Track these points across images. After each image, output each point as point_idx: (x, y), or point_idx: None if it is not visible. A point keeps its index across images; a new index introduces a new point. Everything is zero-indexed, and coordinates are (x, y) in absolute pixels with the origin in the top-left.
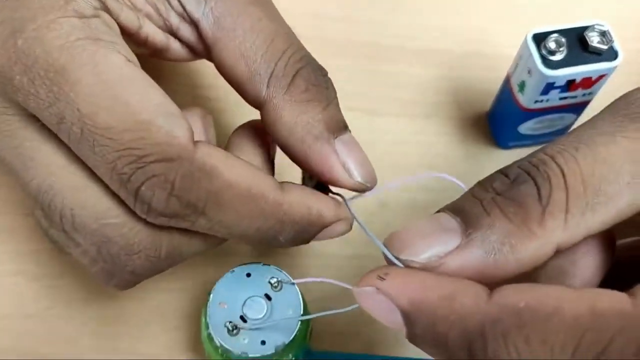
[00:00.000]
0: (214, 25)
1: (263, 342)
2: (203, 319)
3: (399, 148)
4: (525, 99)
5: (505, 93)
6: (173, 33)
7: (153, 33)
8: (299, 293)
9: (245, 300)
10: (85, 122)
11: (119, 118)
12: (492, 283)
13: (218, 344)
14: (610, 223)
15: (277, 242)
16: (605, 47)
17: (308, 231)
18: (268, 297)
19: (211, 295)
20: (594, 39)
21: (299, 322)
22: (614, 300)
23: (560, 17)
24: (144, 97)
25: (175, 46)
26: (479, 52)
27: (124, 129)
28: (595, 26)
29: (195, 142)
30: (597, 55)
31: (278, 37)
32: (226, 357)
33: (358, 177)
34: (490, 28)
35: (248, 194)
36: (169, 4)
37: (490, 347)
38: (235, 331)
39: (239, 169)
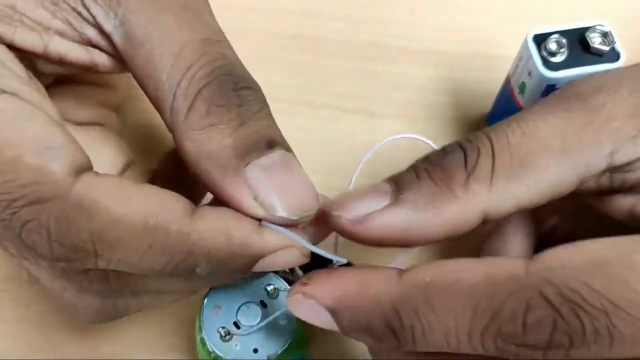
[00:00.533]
0: (124, 39)
1: (255, 350)
2: (197, 323)
3: (398, 150)
4: (526, 101)
5: (506, 94)
6: (95, 46)
7: (67, 49)
8: None
9: (240, 306)
10: None
11: None
12: (420, 244)
13: (210, 350)
14: (542, 195)
15: (199, 278)
16: (606, 48)
17: (232, 263)
18: (264, 305)
19: (206, 300)
20: (595, 40)
21: (293, 331)
22: (508, 267)
23: (563, 18)
24: (15, 132)
25: (101, 59)
26: (480, 53)
27: None
28: (597, 27)
29: (77, 174)
30: (598, 56)
31: (187, 48)
32: None
33: (280, 209)
34: (491, 28)
35: (143, 227)
36: (81, 16)
37: (406, 322)
38: (227, 337)
39: (134, 198)
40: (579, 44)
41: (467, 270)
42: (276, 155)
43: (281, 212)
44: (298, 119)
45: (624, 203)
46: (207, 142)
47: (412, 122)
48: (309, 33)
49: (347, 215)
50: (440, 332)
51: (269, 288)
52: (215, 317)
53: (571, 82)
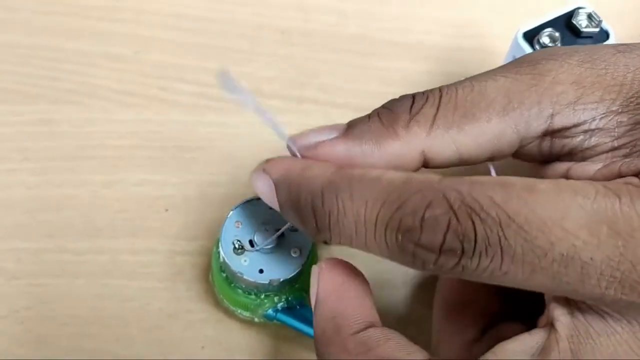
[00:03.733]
0: None
1: (261, 271)
2: (218, 237)
3: None
4: None
5: None
6: None
7: None
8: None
9: (260, 227)
10: None
11: None
12: None
13: (221, 258)
14: (482, 148)
15: None
16: (595, 29)
17: None
18: (282, 234)
19: (231, 212)
20: (582, 23)
21: (301, 266)
22: (427, 175)
23: (553, 4)
24: None
25: None
26: (471, 46)
27: None
28: (580, 10)
29: None
30: (589, 38)
31: None
32: (226, 276)
33: None
34: (482, 20)
35: None
36: None
37: (327, 203)
38: (240, 250)
39: None
40: (568, 31)
41: (392, 171)
42: None
43: None
44: (287, 114)
45: (560, 168)
46: None
47: None
48: (298, 26)
49: (302, 141)
50: (351, 218)
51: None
52: (234, 230)
53: (530, 52)
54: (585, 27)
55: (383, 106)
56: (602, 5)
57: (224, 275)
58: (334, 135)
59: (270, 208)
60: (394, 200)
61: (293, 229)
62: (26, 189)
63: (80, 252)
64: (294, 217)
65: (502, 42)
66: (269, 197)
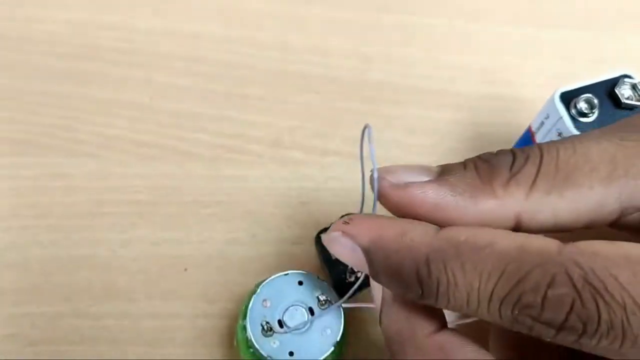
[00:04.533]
0: None
1: (291, 354)
2: (242, 308)
3: None
4: None
5: None
6: None
7: None
8: (342, 318)
9: (289, 307)
10: None
11: None
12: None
13: (249, 339)
14: (580, 216)
15: None
16: (638, 103)
17: None
18: (311, 312)
19: (259, 289)
20: (624, 93)
21: (332, 347)
22: (543, 242)
23: (581, 55)
24: None
25: None
26: (498, 94)
27: None
28: (625, 79)
29: None
30: (629, 110)
31: None
32: (253, 352)
33: None
34: (509, 67)
35: None
36: None
37: (434, 273)
38: (269, 332)
39: None
40: (608, 99)
41: (503, 237)
42: None
43: None
44: (310, 167)
45: None
46: None
47: None
48: (320, 72)
49: (391, 178)
50: (464, 290)
51: (322, 297)
52: (262, 309)
53: (635, 114)
54: (627, 97)
55: (480, 158)
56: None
57: (251, 350)
58: (425, 177)
59: (300, 283)
60: (512, 273)
61: (323, 306)
62: (41, 249)
63: (99, 316)
64: (391, 284)
65: (529, 90)
66: (357, 263)
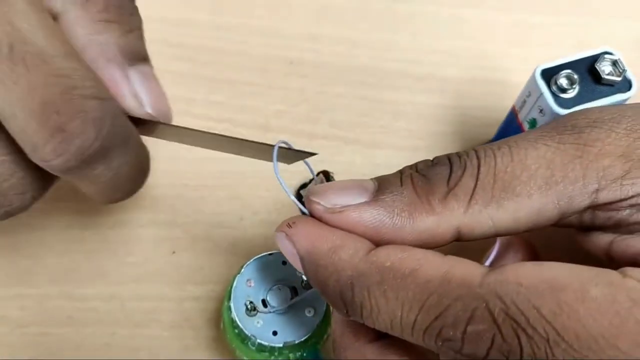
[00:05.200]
0: None
1: (275, 333)
2: (227, 289)
3: None
4: None
5: (514, 128)
6: None
7: None
8: None
9: (272, 286)
10: (20, 39)
11: (56, 43)
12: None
13: (233, 319)
14: (519, 223)
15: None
16: (618, 78)
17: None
18: (295, 292)
19: (243, 269)
20: (605, 69)
21: (316, 325)
22: (467, 270)
23: (566, 40)
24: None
25: None
26: (484, 79)
27: (59, 55)
28: (605, 55)
29: None
30: (610, 86)
31: None
32: (238, 333)
33: (148, 107)
34: (495, 53)
35: None
36: None
37: (357, 298)
38: (253, 312)
39: None
40: (588, 75)
41: (429, 262)
42: (149, 68)
43: (149, 110)
44: None
45: (602, 240)
46: (99, 34)
47: (414, 154)
48: (308, 57)
49: (325, 203)
50: (387, 317)
51: (305, 277)
52: (246, 289)
53: (571, 113)
54: (608, 73)
55: (417, 169)
56: (631, 54)
57: (236, 331)
58: (361, 199)
59: (284, 263)
60: (432, 305)
61: (307, 287)
62: (29, 231)
63: (87, 298)
64: (322, 296)
65: (516, 75)
66: (295, 265)
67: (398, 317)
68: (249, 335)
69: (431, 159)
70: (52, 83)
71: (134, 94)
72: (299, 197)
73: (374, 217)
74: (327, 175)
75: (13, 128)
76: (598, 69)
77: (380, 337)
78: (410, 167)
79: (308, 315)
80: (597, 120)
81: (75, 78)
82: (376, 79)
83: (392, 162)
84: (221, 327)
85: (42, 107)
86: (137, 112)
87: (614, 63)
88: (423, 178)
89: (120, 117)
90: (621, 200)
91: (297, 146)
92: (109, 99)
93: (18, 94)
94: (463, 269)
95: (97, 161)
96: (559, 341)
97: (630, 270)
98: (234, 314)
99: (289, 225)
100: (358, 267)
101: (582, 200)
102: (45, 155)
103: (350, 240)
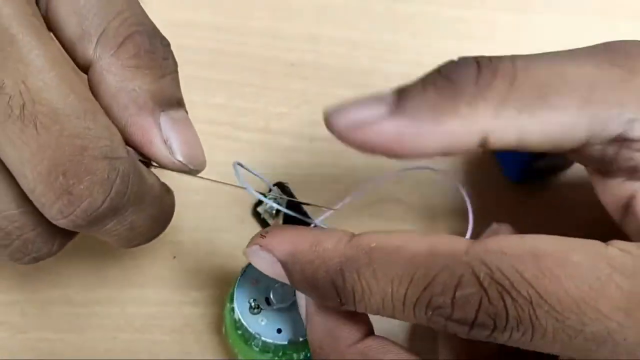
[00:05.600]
0: None
1: (279, 331)
2: (230, 291)
3: (402, 185)
4: None
5: None
6: None
7: None
8: None
9: (276, 284)
10: (33, 100)
11: (72, 101)
12: (412, 156)
13: (237, 318)
14: (548, 138)
15: None
16: None
17: None
18: None
19: (246, 269)
20: None
21: None
22: (452, 242)
23: (571, 40)
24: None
25: None
26: None
27: (72, 114)
28: None
29: None
30: None
31: None
32: (241, 333)
33: (179, 155)
34: (498, 53)
35: None
36: None
37: (348, 282)
38: (256, 310)
39: None
40: None
41: (412, 240)
42: (184, 114)
43: (180, 158)
44: (298, 153)
45: (624, 189)
46: (130, 81)
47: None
48: (309, 58)
49: (343, 120)
50: (378, 296)
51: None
52: (250, 288)
53: (624, 40)
54: None
55: (440, 72)
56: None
57: (240, 332)
58: (381, 110)
59: None
60: (421, 277)
61: None
62: None
63: (88, 303)
64: (312, 294)
65: None
66: (278, 275)
67: (389, 294)
68: (254, 333)
69: (456, 60)
70: (61, 144)
71: (164, 141)
72: (256, 214)
73: (396, 128)
74: (282, 187)
75: (24, 186)
76: None
77: (358, 341)
78: (433, 71)
79: None
80: None
81: (86, 138)
82: (377, 80)
83: (396, 166)
84: (223, 332)
85: (49, 170)
86: (167, 160)
87: None
88: (447, 80)
89: (136, 174)
90: None
91: (297, 150)
92: (120, 157)
93: (27, 155)
94: (448, 241)
95: (107, 219)
96: (541, 303)
97: (615, 242)
98: (237, 314)
99: (262, 236)
100: (345, 253)
101: (615, 127)
102: (52, 215)
103: (331, 233)
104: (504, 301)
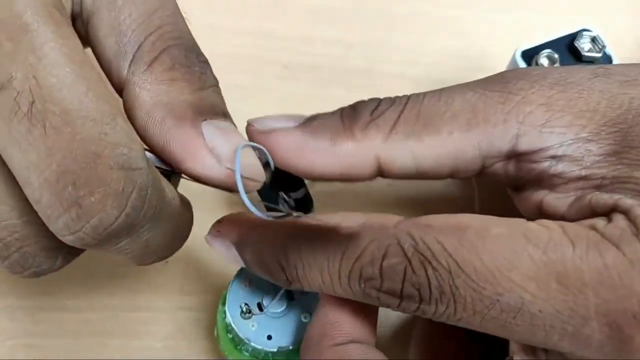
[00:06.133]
0: None
1: (269, 337)
2: (223, 294)
3: (396, 187)
4: None
5: None
6: None
7: None
8: None
9: (269, 289)
10: (43, 97)
11: (86, 103)
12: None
13: (228, 322)
14: (441, 161)
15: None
16: (598, 54)
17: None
18: (291, 297)
19: (240, 272)
20: (584, 47)
21: None
22: (384, 218)
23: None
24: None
25: None
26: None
27: (87, 116)
28: (584, 33)
29: None
30: (591, 63)
31: (158, 12)
32: (232, 337)
33: (227, 162)
34: (495, 52)
35: None
36: None
37: (291, 260)
38: (247, 315)
39: None
40: (569, 53)
41: (349, 217)
42: (230, 124)
43: (227, 164)
44: None
45: (533, 198)
46: (166, 94)
47: None
48: (302, 59)
49: (258, 125)
50: (317, 271)
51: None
52: (242, 291)
53: (503, 70)
54: (588, 50)
55: (350, 105)
56: (609, 29)
57: (230, 336)
58: (290, 124)
59: None
60: (352, 250)
61: (304, 292)
62: None
63: (80, 309)
64: (263, 273)
65: None
66: (230, 258)
67: (326, 269)
68: (243, 338)
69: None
70: (73, 149)
71: (209, 149)
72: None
73: (298, 138)
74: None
75: (28, 194)
76: (577, 46)
77: (341, 343)
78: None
79: (304, 320)
80: (525, 74)
81: (101, 145)
82: (372, 81)
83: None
84: (215, 334)
85: (58, 177)
86: (216, 170)
87: (593, 40)
88: (351, 109)
89: (155, 187)
90: (541, 149)
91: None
92: (139, 168)
93: (34, 159)
94: (380, 217)
95: (121, 237)
96: (459, 272)
97: (541, 220)
98: (228, 317)
99: (219, 222)
100: (288, 234)
101: (502, 144)
102: (57, 230)
103: (280, 222)
104: (425, 271)
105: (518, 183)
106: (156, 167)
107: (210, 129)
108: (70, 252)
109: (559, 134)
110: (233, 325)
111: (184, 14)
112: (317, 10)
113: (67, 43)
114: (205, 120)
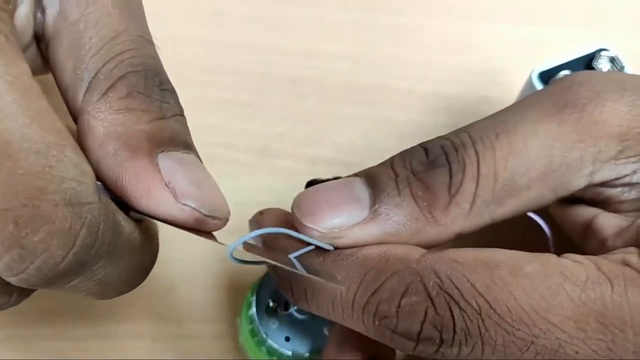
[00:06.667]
0: (58, 15)
1: (287, 339)
2: (252, 286)
3: None
4: None
5: None
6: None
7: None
8: None
9: None
10: None
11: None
12: None
13: (251, 313)
14: (517, 214)
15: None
16: None
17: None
18: None
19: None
20: (603, 67)
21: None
22: (406, 249)
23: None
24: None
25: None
26: (493, 96)
27: (30, 149)
28: (602, 53)
29: None
30: None
31: (121, 36)
32: (252, 328)
33: (187, 198)
34: (504, 68)
35: None
36: None
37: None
38: (272, 312)
39: None
40: None
41: (368, 246)
42: (192, 156)
43: (192, 204)
44: (299, 176)
45: (585, 213)
46: (121, 124)
47: None
48: (309, 75)
49: (321, 229)
50: (327, 297)
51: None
52: (272, 288)
53: (569, 77)
54: (607, 71)
55: (413, 171)
56: (626, 49)
57: (251, 327)
58: (358, 214)
59: None
60: (370, 281)
61: None
62: None
63: (82, 338)
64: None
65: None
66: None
67: (338, 295)
68: (262, 332)
69: (423, 149)
70: (13, 185)
71: (165, 183)
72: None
73: (376, 234)
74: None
75: None
76: (596, 67)
77: None
78: (403, 163)
79: (325, 333)
80: (599, 92)
81: (45, 178)
82: (381, 97)
83: None
84: (237, 323)
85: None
86: (173, 208)
87: (612, 60)
88: (422, 186)
89: (109, 222)
90: (614, 179)
91: (299, 172)
92: (89, 203)
93: None
94: (403, 248)
95: (71, 277)
96: (491, 313)
97: (568, 255)
98: (253, 309)
99: (260, 213)
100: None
101: (578, 184)
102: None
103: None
104: (451, 311)
105: (576, 202)
106: (113, 199)
107: (168, 161)
108: (23, 290)
109: (633, 162)
110: (255, 317)
111: (157, 40)
112: (324, 24)
113: (10, 71)
114: (163, 152)
